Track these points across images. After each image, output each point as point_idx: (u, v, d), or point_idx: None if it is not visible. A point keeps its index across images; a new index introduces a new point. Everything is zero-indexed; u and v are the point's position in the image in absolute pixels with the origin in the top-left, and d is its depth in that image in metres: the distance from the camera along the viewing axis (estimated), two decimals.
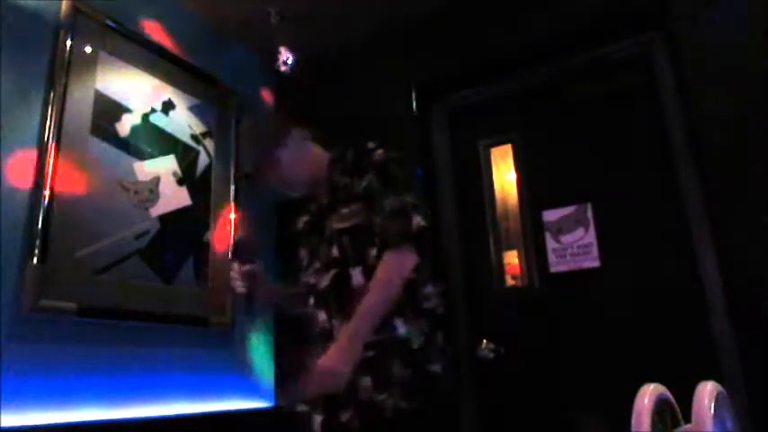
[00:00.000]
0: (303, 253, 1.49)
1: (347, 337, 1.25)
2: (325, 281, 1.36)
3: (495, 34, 2.38)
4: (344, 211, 1.36)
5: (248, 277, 1.45)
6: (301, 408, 1.36)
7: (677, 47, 2.02)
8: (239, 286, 1.46)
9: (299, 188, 1.52)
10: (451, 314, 2.30)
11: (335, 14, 2.54)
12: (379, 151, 1.41)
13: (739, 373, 1.71)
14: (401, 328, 1.30)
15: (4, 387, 1.57)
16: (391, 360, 1.27)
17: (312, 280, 1.42)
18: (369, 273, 1.30)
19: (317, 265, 1.41)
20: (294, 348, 1.46)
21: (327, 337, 1.33)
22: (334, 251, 1.36)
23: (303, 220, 1.54)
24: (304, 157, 1.50)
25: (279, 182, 1.50)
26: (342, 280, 1.33)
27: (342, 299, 1.31)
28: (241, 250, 1.57)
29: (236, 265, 1.48)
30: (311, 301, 1.41)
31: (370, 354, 1.26)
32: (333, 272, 1.35)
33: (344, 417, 1.26)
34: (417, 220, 1.33)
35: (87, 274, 1.87)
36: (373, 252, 1.32)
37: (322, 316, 1.37)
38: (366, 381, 1.25)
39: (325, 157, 1.52)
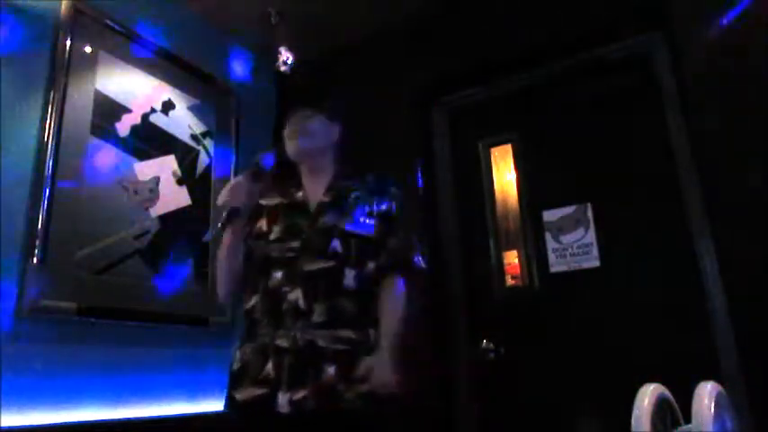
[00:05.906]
0: (264, 224, 1.53)
1: (389, 354, 1.39)
2: (313, 265, 1.42)
3: (494, 34, 2.38)
4: (363, 219, 1.49)
5: (249, 192, 1.47)
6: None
7: (677, 47, 2.02)
8: (234, 195, 1.44)
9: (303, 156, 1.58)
10: (451, 314, 2.31)
11: (335, 15, 2.53)
12: (395, 189, 1.60)
13: (739, 373, 1.71)
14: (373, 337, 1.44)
15: (4, 387, 1.57)
16: (359, 359, 1.37)
17: (280, 254, 1.46)
18: (360, 278, 1.43)
19: (295, 244, 1.45)
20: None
21: (300, 314, 1.38)
22: (337, 246, 1.44)
23: (277, 200, 1.58)
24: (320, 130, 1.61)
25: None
26: (335, 273, 1.42)
27: (331, 290, 1.41)
28: (260, 168, 1.52)
29: (241, 178, 1.50)
30: (278, 274, 1.44)
31: (341, 347, 1.36)
32: (330, 263, 1.42)
33: (300, 395, 1.32)
34: (420, 261, 1.55)
35: (87, 274, 1.87)
36: (371, 265, 1.46)
37: (295, 294, 1.40)
38: (331, 368, 1.34)
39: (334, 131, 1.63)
